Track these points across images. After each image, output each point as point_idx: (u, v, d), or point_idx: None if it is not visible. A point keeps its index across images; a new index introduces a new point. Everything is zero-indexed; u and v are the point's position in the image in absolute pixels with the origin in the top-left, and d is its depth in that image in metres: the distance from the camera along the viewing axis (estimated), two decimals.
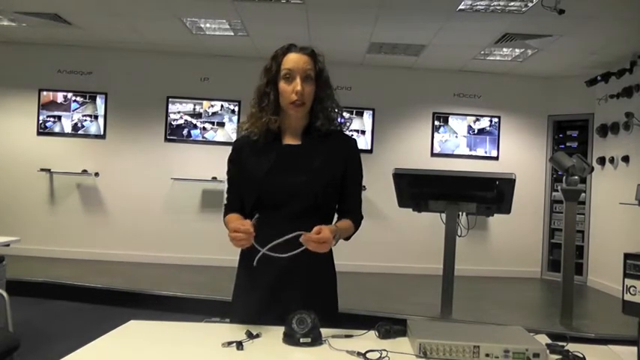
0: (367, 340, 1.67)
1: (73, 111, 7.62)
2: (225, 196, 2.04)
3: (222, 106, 7.66)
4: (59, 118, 7.60)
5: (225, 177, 2.05)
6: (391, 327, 1.72)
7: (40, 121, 7.58)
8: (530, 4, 5.07)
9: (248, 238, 1.72)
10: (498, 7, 5.24)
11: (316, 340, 1.62)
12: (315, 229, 1.73)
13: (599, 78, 6.86)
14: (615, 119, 6.80)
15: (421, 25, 5.93)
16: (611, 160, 6.88)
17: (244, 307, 1.91)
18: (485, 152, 7.84)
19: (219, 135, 7.64)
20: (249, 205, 1.90)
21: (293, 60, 1.88)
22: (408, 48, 6.82)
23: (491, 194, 4.82)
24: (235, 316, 1.90)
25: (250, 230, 1.72)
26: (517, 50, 6.69)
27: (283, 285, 1.86)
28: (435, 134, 7.83)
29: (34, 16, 6.24)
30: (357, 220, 1.99)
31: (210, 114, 7.69)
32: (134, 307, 5.10)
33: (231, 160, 2.01)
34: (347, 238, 1.97)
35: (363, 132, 7.71)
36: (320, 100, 1.93)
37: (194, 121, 7.67)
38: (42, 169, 7.44)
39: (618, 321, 3.16)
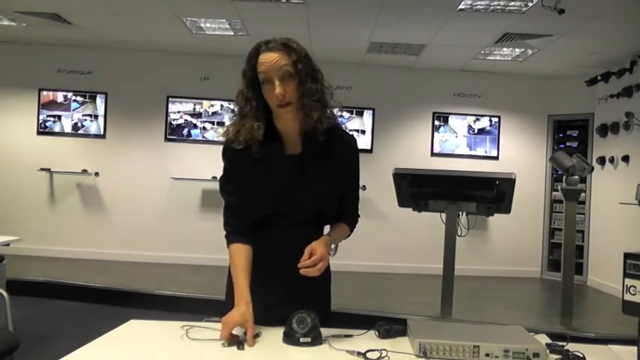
0: (367, 340, 1.67)
1: (73, 111, 7.62)
2: (225, 213, 1.87)
3: (222, 105, 7.65)
4: (59, 117, 7.60)
5: (219, 184, 1.89)
6: (391, 327, 1.72)
7: (40, 121, 7.58)
8: (530, 4, 5.07)
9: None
10: (498, 7, 5.24)
11: (316, 340, 1.62)
12: (307, 250, 1.70)
13: (599, 78, 6.86)
14: (615, 119, 6.80)
15: (421, 25, 5.93)
16: (611, 160, 6.88)
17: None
18: (485, 152, 7.84)
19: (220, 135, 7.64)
20: (253, 220, 1.85)
21: (266, 61, 1.73)
22: (408, 48, 6.82)
23: (491, 194, 4.83)
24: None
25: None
26: (517, 50, 6.68)
27: (277, 284, 1.84)
28: (435, 134, 7.82)
29: (34, 16, 6.23)
30: (352, 221, 1.98)
31: (210, 114, 7.69)
32: (134, 307, 5.09)
33: (228, 175, 1.86)
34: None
35: (363, 132, 7.70)
36: (300, 99, 1.77)
37: (194, 120, 7.67)
38: (42, 169, 7.44)
39: (618, 321, 3.16)
